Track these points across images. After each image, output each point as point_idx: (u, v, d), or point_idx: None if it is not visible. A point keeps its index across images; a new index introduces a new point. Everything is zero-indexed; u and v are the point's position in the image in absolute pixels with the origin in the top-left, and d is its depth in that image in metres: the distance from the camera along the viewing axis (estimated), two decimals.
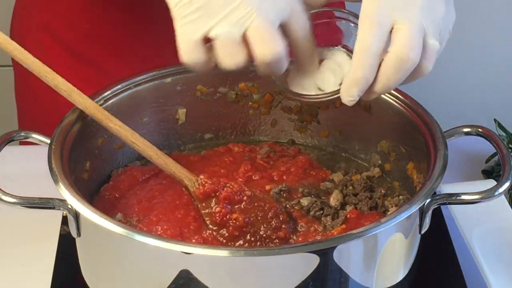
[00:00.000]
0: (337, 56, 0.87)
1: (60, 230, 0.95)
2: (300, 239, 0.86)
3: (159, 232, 0.84)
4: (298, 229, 0.88)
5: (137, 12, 1.11)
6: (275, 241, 0.85)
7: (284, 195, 0.92)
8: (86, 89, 0.92)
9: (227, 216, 0.85)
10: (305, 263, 0.75)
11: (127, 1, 1.11)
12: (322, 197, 0.92)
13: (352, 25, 0.86)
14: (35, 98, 1.20)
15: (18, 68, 1.24)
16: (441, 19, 0.82)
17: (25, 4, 1.20)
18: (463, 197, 0.82)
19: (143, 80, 0.97)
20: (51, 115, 1.10)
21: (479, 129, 0.90)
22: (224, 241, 0.85)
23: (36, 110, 1.22)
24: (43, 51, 1.15)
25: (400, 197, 0.92)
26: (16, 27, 1.23)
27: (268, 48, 0.78)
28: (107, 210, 0.89)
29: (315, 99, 0.87)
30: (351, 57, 0.82)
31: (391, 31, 0.80)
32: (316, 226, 0.88)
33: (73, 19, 1.14)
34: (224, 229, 0.85)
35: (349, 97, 0.81)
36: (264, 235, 0.86)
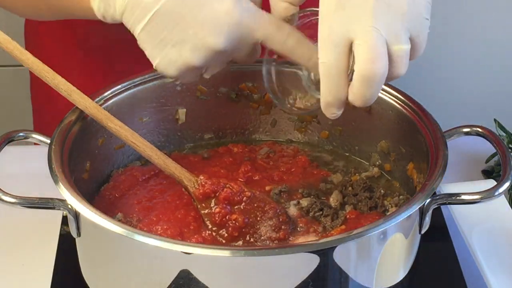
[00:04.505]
0: None
1: (60, 230, 0.95)
2: (299, 239, 0.86)
3: (159, 232, 0.84)
4: (298, 229, 0.88)
5: None
6: (274, 241, 0.85)
7: (284, 195, 0.92)
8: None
9: (227, 217, 0.85)
10: (305, 263, 0.75)
11: None
12: (322, 198, 0.92)
13: None
14: (49, 99, 1.20)
15: None
16: (405, 14, 0.77)
17: None
18: (463, 197, 0.82)
19: (143, 80, 0.97)
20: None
21: (479, 129, 0.90)
22: (224, 241, 0.85)
23: (51, 111, 1.21)
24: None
25: (400, 197, 0.92)
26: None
27: None
28: (107, 210, 0.89)
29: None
30: None
31: (352, 46, 0.77)
32: (315, 227, 0.88)
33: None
34: (224, 229, 0.85)
35: (331, 115, 0.81)
36: (264, 236, 0.86)
